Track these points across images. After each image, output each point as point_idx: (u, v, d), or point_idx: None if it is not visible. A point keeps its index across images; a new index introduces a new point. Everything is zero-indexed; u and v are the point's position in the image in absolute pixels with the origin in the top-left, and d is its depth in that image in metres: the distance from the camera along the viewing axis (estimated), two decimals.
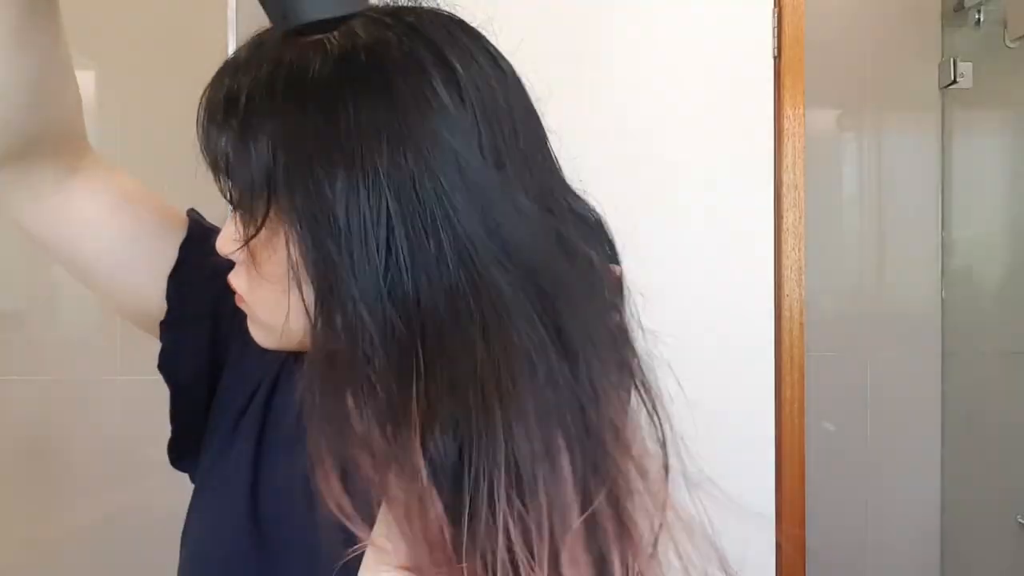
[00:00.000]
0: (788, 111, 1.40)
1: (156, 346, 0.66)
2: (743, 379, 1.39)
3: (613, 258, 0.60)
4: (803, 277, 1.40)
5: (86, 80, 1.60)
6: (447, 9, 0.55)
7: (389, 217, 0.46)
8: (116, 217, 0.63)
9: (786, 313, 1.40)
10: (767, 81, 1.41)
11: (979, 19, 1.67)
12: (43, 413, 1.61)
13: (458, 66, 0.50)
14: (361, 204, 0.46)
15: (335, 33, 0.50)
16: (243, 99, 0.49)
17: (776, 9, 1.41)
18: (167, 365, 0.66)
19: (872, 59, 1.73)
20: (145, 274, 0.64)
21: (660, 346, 0.58)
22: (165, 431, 0.67)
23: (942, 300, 1.75)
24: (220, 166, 0.51)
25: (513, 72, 0.55)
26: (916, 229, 1.75)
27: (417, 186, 0.47)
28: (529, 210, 0.50)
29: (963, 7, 1.68)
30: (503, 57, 0.55)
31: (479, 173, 0.48)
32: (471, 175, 0.48)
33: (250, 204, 0.50)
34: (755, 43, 1.41)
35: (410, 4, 0.54)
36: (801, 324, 1.40)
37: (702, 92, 1.41)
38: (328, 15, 0.50)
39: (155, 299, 0.64)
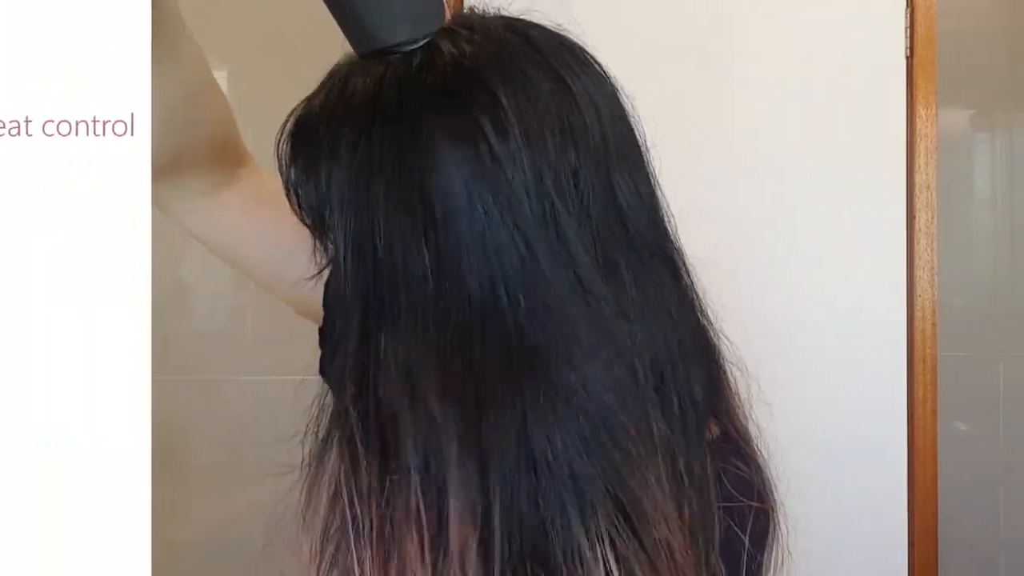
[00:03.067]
0: (920, 111, 1.40)
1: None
2: (875, 380, 1.40)
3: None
4: (936, 277, 1.39)
5: (218, 80, 1.65)
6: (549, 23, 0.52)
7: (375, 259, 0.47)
8: (269, 227, 0.63)
9: (919, 314, 1.39)
10: (899, 81, 1.41)
11: None
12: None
13: (508, 110, 0.46)
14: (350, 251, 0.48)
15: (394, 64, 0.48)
16: (308, 131, 0.50)
17: (908, 9, 1.41)
18: (324, 371, 0.65)
19: (1005, 58, 1.70)
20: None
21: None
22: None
23: None
24: (291, 194, 0.51)
25: (606, 97, 0.51)
26: None
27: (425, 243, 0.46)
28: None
29: None
30: (584, 75, 0.50)
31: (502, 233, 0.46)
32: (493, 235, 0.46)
33: (319, 233, 0.51)
34: (887, 43, 1.41)
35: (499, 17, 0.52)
36: (934, 325, 1.39)
37: (834, 93, 1.41)
38: (401, 39, 0.47)
39: (317, 305, 0.64)
